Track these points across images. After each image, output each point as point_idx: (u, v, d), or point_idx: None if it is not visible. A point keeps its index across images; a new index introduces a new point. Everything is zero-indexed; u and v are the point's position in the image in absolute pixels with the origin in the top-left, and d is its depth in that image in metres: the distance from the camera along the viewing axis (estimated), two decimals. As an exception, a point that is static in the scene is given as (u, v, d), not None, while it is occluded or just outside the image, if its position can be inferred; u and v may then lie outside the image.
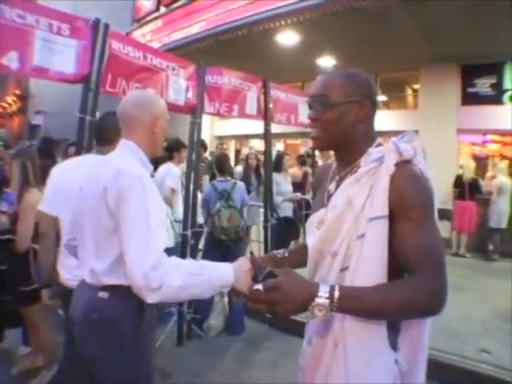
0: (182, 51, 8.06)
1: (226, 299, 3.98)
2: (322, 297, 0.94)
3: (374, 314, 1.01)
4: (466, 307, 4.00)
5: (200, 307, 3.69)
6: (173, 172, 4.05)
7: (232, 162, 8.78)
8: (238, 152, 13.79)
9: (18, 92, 23.54)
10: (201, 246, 4.12)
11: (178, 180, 4.06)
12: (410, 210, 1.02)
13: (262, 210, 5.00)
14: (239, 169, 6.89)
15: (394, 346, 1.09)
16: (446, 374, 2.89)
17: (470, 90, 8.59)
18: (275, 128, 4.47)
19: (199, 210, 3.87)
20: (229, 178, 4.00)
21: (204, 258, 3.93)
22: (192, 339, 3.63)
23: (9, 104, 24.95)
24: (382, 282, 1.02)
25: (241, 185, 4.04)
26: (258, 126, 5.36)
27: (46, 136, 4.83)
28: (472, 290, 4.71)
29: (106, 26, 2.65)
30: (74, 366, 1.59)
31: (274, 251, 1.48)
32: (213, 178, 4.07)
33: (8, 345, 3.11)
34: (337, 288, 0.96)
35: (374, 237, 1.04)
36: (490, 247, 6.98)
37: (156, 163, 3.70)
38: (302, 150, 9.96)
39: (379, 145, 1.18)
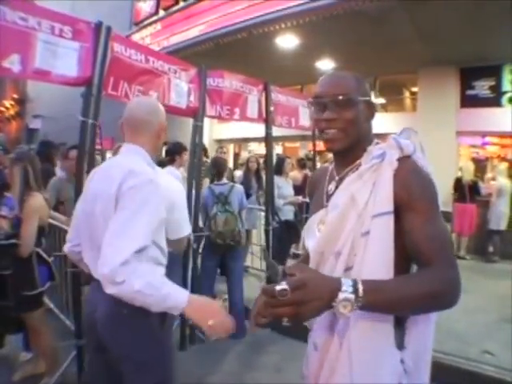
0: (181, 54, 8.05)
1: (226, 304, 3.97)
2: (347, 291, 0.85)
3: (398, 308, 0.95)
4: (468, 309, 3.98)
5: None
6: (174, 175, 4.03)
7: (231, 165, 8.81)
8: (236, 155, 13.78)
9: (15, 96, 23.52)
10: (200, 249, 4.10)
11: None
12: (419, 202, 1.02)
13: (262, 214, 5.00)
14: (238, 173, 6.87)
15: (400, 344, 1.07)
16: (448, 375, 2.88)
17: (469, 92, 8.63)
18: (274, 131, 4.46)
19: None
20: (226, 182, 3.99)
21: (203, 261, 3.92)
22: (195, 343, 3.60)
23: (6, 108, 24.90)
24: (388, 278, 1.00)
25: (238, 188, 4.04)
26: (256, 130, 5.37)
27: (44, 140, 4.80)
28: (473, 292, 4.68)
29: (108, 29, 2.64)
30: (102, 367, 1.64)
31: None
32: (213, 181, 4.06)
33: (9, 351, 3.08)
34: (360, 281, 0.88)
35: (379, 234, 1.03)
36: (490, 249, 6.97)
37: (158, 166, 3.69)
38: (302, 153, 9.96)
39: (377, 144, 1.19)
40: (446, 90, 8.70)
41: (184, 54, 8.23)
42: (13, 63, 2.27)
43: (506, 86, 8.31)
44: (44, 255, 2.69)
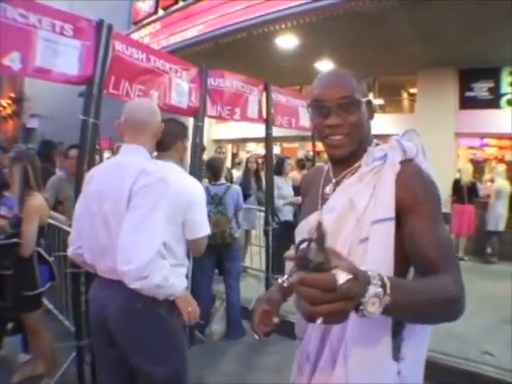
0: (181, 54, 8.02)
1: (224, 304, 3.97)
2: (377, 284, 0.71)
3: (417, 311, 0.83)
4: (467, 310, 3.94)
5: (202, 312, 3.66)
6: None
7: (229, 165, 8.80)
8: (234, 155, 13.77)
9: (12, 95, 23.41)
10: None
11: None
12: (423, 205, 0.97)
13: (261, 214, 4.98)
14: (237, 173, 6.87)
15: (396, 356, 1.02)
16: (448, 375, 2.90)
17: (468, 94, 8.66)
18: (272, 131, 4.44)
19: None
20: (223, 182, 3.98)
21: (200, 261, 3.90)
22: (194, 344, 3.58)
23: (3, 107, 24.78)
24: None
25: (234, 188, 4.03)
26: (255, 130, 5.38)
27: (45, 139, 4.80)
28: (472, 293, 4.61)
29: (110, 27, 2.60)
30: (111, 363, 1.71)
31: (279, 280, 1.33)
32: (210, 181, 4.06)
33: (7, 352, 3.05)
34: (385, 276, 0.74)
35: (379, 241, 0.98)
36: (489, 250, 7.01)
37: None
38: (300, 154, 9.95)
39: (377, 145, 1.14)
40: (445, 92, 8.72)
41: (183, 53, 8.20)
42: (13, 61, 2.23)
43: (504, 88, 8.34)
44: (45, 255, 2.67)
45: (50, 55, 2.36)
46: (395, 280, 0.77)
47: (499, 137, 8.85)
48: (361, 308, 0.70)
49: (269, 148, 4.53)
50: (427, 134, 7.75)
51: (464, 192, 7.08)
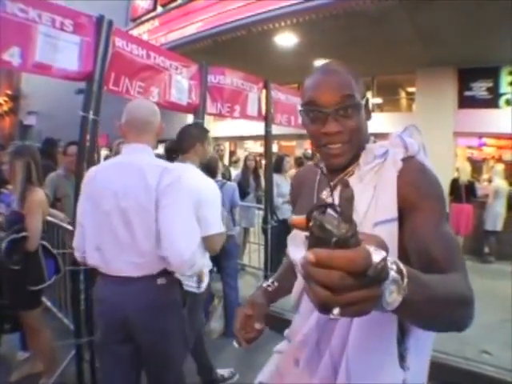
0: (180, 51, 7.99)
1: (222, 303, 3.96)
2: (393, 269, 0.56)
3: (433, 311, 0.70)
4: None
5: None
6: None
7: (226, 163, 8.79)
8: (232, 153, 13.76)
9: (9, 92, 23.28)
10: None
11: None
12: (427, 202, 0.90)
13: (260, 212, 4.97)
14: (235, 171, 6.86)
15: (402, 365, 0.95)
16: (447, 375, 2.90)
17: (467, 93, 8.67)
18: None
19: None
20: (218, 179, 3.96)
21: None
22: (193, 342, 3.57)
23: (0, 104, 24.65)
24: None
25: (230, 186, 4.00)
26: (253, 128, 5.36)
27: (48, 137, 4.78)
28: (471, 293, 4.73)
29: (110, 23, 2.58)
30: (123, 359, 1.77)
31: (263, 284, 1.28)
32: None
33: (6, 350, 3.03)
34: (400, 262, 0.59)
35: None
36: (486, 250, 7.00)
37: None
38: (298, 152, 9.95)
39: (374, 142, 1.06)
40: (444, 91, 8.73)
41: (182, 50, 8.17)
42: (13, 56, 2.21)
43: (503, 88, 8.36)
44: (50, 247, 2.66)
45: (49, 51, 2.34)
46: (409, 268, 0.61)
47: (498, 136, 8.87)
48: None
49: (268, 146, 4.52)
50: (426, 133, 7.59)
51: (462, 191, 7.08)
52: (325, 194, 1.07)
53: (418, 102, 9.41)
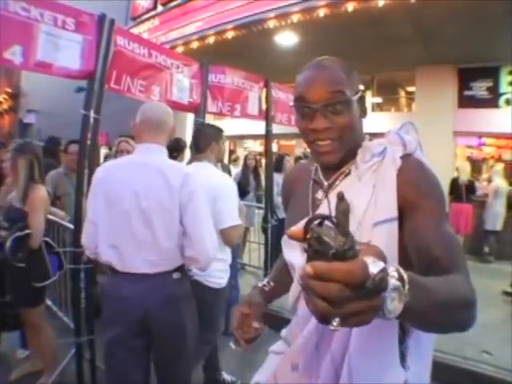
0: (179, 50, 8.00)
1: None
2: (394, 277, 0.56)
3: (435, 315, 0.69)
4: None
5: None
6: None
7: (226, 162, 8.77)
8: (231, 152, 13.75)
9: (9, 90, 23.27)
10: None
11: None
12: (428, 201, 0.88)
13: (260, 211, 4.96)
14: (235, 170, 6.86)
15: (403, 363, 0.94)
16: (447, 374, 2.89)
17: (467, 92, 8.67)
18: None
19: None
20: None
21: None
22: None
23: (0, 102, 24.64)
24: None
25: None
26: (252, 127, 5.35)
27: (51, 136, 4.78)
28: (471, 292, 4.73)
29: (112, 22, 2.58)
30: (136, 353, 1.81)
31: (259, 284, 1.28)
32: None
33: (6, 348, 3.03)
34: (401, 269, 0.59)
35: (381, 243, 0.85)
36: (486, 249, 7.00)
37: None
38: (298, 152, 9.94)
39: (371, 140, 1.04)
40: (444, 90, 8.73)
41: (182, 49, 8.18)
42: (14, 54, 2.21)
43: (503, 88, 8.37)
44: (53, 244, 2.67)
45: (51, 49, 2.34)
46: (411, 274, 0.61)
47: (497, 136, 8.87)
48: None
49: (268, 145, 4.52)
50: (425, 132, 7.69)
51: (462, 191, 7.08)
52: (320, 194, 1.05)
53: (417, 101, 9.40)
